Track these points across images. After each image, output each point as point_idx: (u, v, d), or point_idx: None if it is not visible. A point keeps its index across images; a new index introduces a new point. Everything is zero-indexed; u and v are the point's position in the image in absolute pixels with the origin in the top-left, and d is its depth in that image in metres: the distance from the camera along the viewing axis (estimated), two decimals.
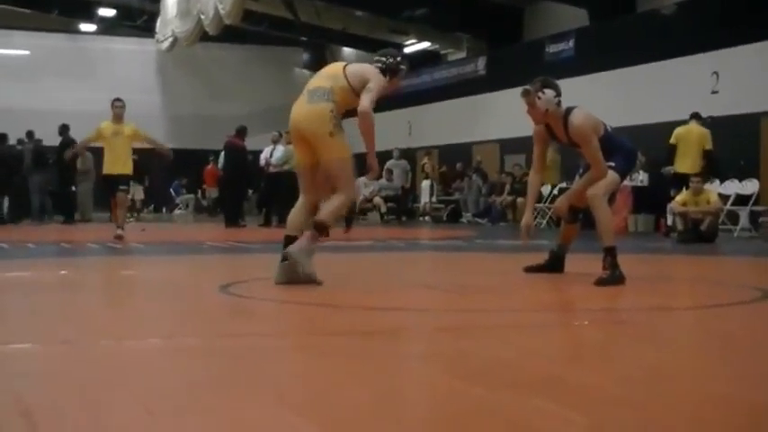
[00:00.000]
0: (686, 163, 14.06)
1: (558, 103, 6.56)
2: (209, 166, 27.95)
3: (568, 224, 7.16)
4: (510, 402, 2.75)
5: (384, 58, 6.46)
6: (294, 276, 6.10)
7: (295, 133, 6.47)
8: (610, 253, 6.34)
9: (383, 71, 6.38)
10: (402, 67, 6.49)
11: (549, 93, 6.53)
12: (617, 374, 3.25)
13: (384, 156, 23.49)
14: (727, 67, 17.08)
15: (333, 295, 5.91)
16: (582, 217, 7.07)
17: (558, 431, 2.45)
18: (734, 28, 16.79)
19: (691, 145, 14.20)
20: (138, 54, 32.78)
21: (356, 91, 6.26)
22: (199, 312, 5.08)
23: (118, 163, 12.17)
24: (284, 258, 6.17)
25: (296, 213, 6.52)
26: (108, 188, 12.66)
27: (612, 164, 6.56)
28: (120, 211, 12.52)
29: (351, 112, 6.36)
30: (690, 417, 2.65)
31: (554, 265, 7.11)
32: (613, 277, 6.23)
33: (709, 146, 14.24)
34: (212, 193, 28.39)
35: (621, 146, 6.76)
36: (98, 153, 13.61)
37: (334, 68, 6.49)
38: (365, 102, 6.15)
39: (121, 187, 12.28)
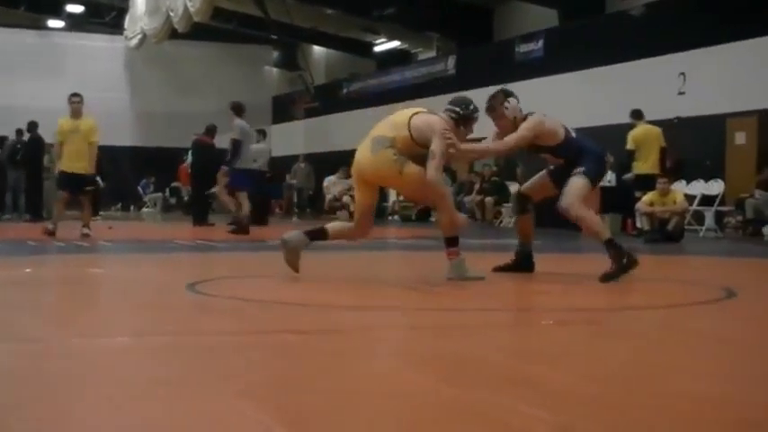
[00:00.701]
0: (648, 164, 14.23)
1: (520, 111, 6.69)
2: (183, 164, 27.86)
3: (520, 216, 7.19)
4: (482, 401, 2.76)
5: (458, 108, 6.59)
6: (293, 252, 6.64)
7: (358, 177, 6.72)
8: (609, 246, 6.43)
9: (456, 121, 6.54)
10: (475, 115, 6.67)
11: (513, 101, 6.67)
12: (587, 373, 3.27)
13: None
14: (694, 68, 17.21)
15: (302, 294, 5.91)
16: (531, 208, 7.09)
17: (529, 429, 2.46)
18: (701, 30, 16.93)
19: (651, 145, 14.38)
20: (106, 51, 32.51)
21: (418, 143, 6.39)
22: (166, 310, 5.06)
23: (77, 160, 11.84)
24: (307, 234, 6.71)
25: (342, 228, 7.03)
26: (65, 185, 12.10)
27: (582, 169, 6.59)
28: (84, 211, 12.30)
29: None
30: (658, 413, 2.68)
31: (522, 264, 7.10)
32: (619, 269, 6.35)
33: (664, 143, 14.45)
34: (187, 191, 28.29)
35: (588, 150, 6.76)
36: None
37: (400, 117, 6.60)
38: (430, 172, 6.29)
39: (87, 188, 12.10)
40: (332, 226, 6.89)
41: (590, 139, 7.04)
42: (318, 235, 6.79)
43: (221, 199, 14.77)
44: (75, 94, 12.16)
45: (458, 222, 6.65)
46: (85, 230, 11.75)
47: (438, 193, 6.54)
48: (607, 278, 6.31)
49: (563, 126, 6.77)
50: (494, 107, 6.68)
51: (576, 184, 6.58)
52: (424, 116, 6.55)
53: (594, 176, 6.71)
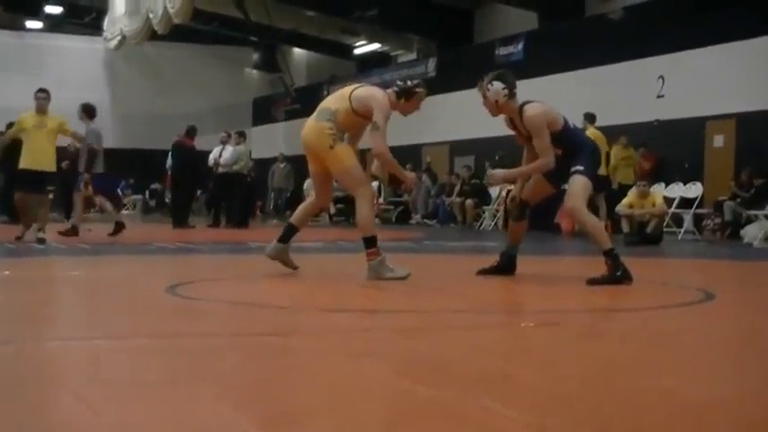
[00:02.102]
0: (602, 166, 14.35)
1: (508, 96, 6.57)
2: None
3: (516, 221, 7.16)
4: (457, 401, 2.77)
5: (401, 82, 6.90)
6: (282, 259, 6.99)
7: (303, 146, 6.94)
8: (608, 255, 6.43)
9: (398, 94, 6.78)
10: (418, 90, 6.87)
11: (497, 85, 6.59)
12: (562, 373, 3.29)
13: None
14: (673, 71, 17.31)
15: (281, 296, 5.92)
16: (528, 214, 7.07)
17: (503, 429, 2.47)
18: (680, 33, 17.03)
19: (603, 148, 14.34)
20: (85, 52, 32.40)
21: (359, 113, 6.71)
22: (145, 313, 5.05)
23: (40, 158, 11.29)
24: (280, 240, 7.01)
25: (304, 208, 7.19)
26: (23, 183, 11.45)
27: (581, 168, 6.56)
28: (42, 211, 11.52)
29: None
30: (629, 410, 2.70)
31: (506, 266, 7.08)
32: (609, 277, 6.36)
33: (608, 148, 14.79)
34: (168, 193, 28.25)
35: (583, 144, 6.78)
36: None
37: (343, 91, 6.92)
38: (375, 143, 6.66)
39: (49, 188, 11.71)
40: (294, 217, 7.13)
41: (584, 133, 7.07)
42: (289, 234, 7.02)
43: (99, 205, 14.34)
44: (41, 90, 11.64)
45: (371, 220, 6.84)
46: (41, 234, 11.15)
47: (357, 181, 6.79)
48: (594, 282, 6.32)
49: (562, 117, 6.75)
50: (480, 86, 6.71)
51: (578, 184, 6.56)
52: (366, 87, 6.92)
53: (593, 173, 6.72)
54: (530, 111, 6.56)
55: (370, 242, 6.68)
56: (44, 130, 11.37)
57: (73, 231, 12.93)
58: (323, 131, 6.73)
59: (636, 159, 16.31)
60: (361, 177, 6.82)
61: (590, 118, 15.09)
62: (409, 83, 6.90)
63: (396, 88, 6.82)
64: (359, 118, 6.74)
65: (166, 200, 29.08)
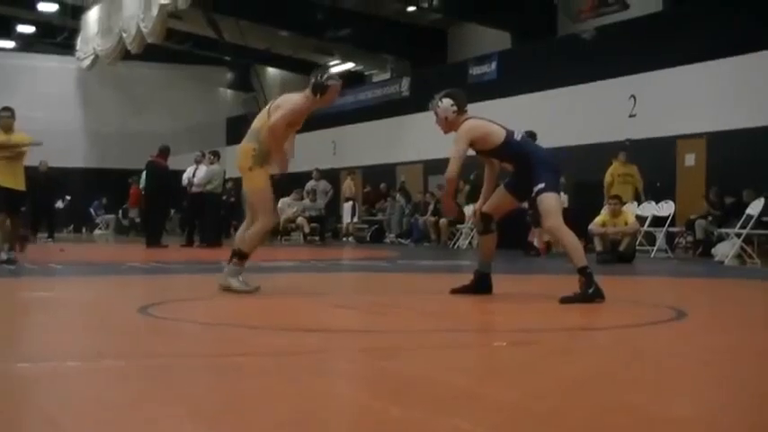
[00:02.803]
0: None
1: (457, 112, 6.69)
2: (133, 187, 27.73)
3: (483, 235, 7.10)
4: (427, 421, 2.77)
5: (313, 78, 6.96)
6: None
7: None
8: (582, 273, 6.42)
9: (313, 91, 6.93)
10: (328, 83, 6.95)
11: (446, 102, 6.73)
12: (532, 392, 3.29)
13: (307, 176, 23.48)
14: (645, 90, 17.46)
15: (253, 316, 5.90)
16: (494, 228, 6.99)
17: None
18: (651, 53, 17.18)
19: None
20: (58, 71, 32.28)
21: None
22: (117, 334, 5.01)
23: (13, 176, 11.02)
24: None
25: (242, 230, 7.26)
26: (5, 203, 11.05)
27: (542, 186, 6.55)
28: (12, 231, 11.28)
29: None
30: (601, 429, 2.71)
31: (480, 285, 7.00)
32: (581, 295, 6.36)
33: None
34: (136, 212, 28.16)
35: (538, 158, 6.69)
36: None
37: (266, 107, 7.15)
38: (272, 119, 6.88)
39: (22, 208, 11.44)
40: (237, 243, 7.20)
41: (535, 144, 7.03)
42: (239, 257, 7.08)
43: None
44: (5, 108, 11.33)
45: (257, 243, 7.07)
46: (10, 255, 11.03)
47: (262, 206, 7.02)
48: (567, 300, 6.33)
49: (504, 128, 6.71)
50: (431, 105, 6.86)
51: (548, 202, 6.57)
52: (282, 96, 7.20)
53: (555, 186, 6.67)
54: (462, 126, 6.68)
55: (241, 255, 7.02)
56: (9, 148, 11.07)
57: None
58: (246, 153, 6.99)
59: (637, 177, 16.21)
60: (267, 205, 7.08)
61: (531, 136, 15.04)
62: (318, 77, 6.98)
63: (310, 86, 6.98)
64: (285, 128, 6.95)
65: (127, 219, 29.09)
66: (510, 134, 6.68)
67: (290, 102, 7.00)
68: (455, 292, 7.01)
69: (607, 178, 15.84)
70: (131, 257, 12.98)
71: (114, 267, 11.07)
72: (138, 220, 28.26)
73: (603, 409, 2.98)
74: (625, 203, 14.82)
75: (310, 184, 23.04)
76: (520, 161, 6.69)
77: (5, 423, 2.72)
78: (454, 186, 7.00)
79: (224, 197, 23.32)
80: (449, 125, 6.75)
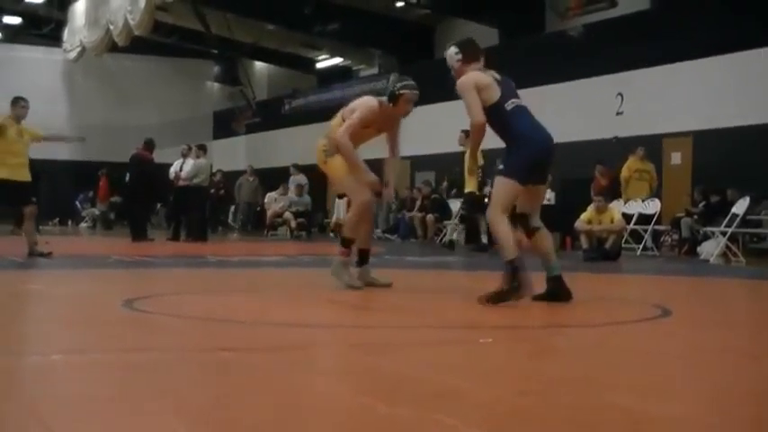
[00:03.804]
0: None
1: (462, 61, 6.42)
2: (102, 178, 27.75)
3: (530, 237, 6.53)
4: (412, 417, 2.77)
5: (391, 87, 7.09)
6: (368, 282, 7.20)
7: None
8: (508, 266, 6.03)
9: (388, 99, 7.05)
10: (401, 92, 7.00)
11: (452, 50, 6.54)
12: (518, 389, 3.30)
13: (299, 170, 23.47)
14: (632, 88, 17.50)
15: (239, 311, 5.88)
16: (539, 224, 6.45)
17: None
18: (638, 51, 17.22)
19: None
20: (44, 63, 32.11)
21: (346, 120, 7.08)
22: (102, 327, 5.00)
23: (21, 169, 11.13)
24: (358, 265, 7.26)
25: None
26: (6, 196, 11.20)
27: (501, 167, 6.21)
28: (31, 224, 11.51)
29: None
30: (586, 427, 2.72)
31: (552, 292, 6.35)
32: (502, 293, 5.99)
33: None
34: (102, 206, 28.15)
35: (517, 134, 6.18)
36: None
37: (342, 108, 7.30)
38: (338, 133, 6.96)
39: (33, 199, 11.56)
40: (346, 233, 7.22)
41: (533, 119, 6.38)
42: (343, 245, 7.18)
43: None
44: (23, 99, 11.43)
45: (352, 225, 7.13)
46: (41, 249, 11.18)
47: (349, 191, 7.24)
48: (486, 299, 6.00)
49: (502, 93, 6.29)
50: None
51: (496, 189, 6.22)
52: (357, 100, 7.24)
53: (519, 171, 6.11)
54: (463, 77, 6.35)
55: (344, 243, 7.10)
56: (23, 140, 11.19)
57: None
58: (319, 149, 7.23)
59: (653, 174, 16.20)
60: (354, 187, 7.12)
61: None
62: (395, 85, 7.07)
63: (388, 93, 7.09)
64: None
65: (83, 214, 29.07)
66: (503, 98, 6.25)
67: (363, 107, 7.05)
68: (536, 298, 6.30)
69: (624, 173, 15.88)
70: (117, 251, 12.94)
71: (100, 261, 11.03)
72: (108, 214, 28.30)
73: (588, 407, 2.99)
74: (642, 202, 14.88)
75: (291, 179, 23.05)
76: (501, 132, 6.29)
77: None
78: (481, 133, 6.29)
79: (212, 190, 23.31)
80: (456, 74, 6.44)
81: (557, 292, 6.30)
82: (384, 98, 7.01)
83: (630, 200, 15.78)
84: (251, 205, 24.93)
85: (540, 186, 6.44)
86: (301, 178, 23.18)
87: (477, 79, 6.26)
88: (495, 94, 6.24)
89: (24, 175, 11.20)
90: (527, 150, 6.16)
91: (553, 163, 6.51)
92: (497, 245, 6.25)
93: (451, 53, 6.49)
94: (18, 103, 11.41)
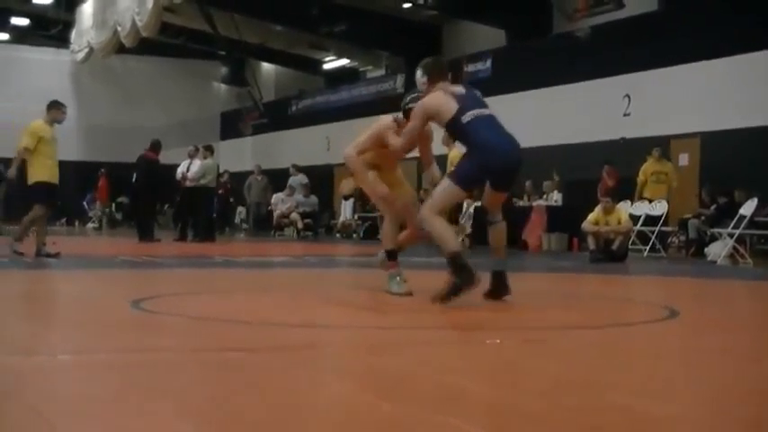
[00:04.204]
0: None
1: (427, 83, 6.42)
2: (101, 181, 27.84)
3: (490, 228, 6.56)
4: (416, 417, 2.77)
5: (402, 105, 6.93)
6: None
7: None
8: (450, 260, 5.99)
9: (404, 115, 6.79)
10: (409, 106, 6.68)
11: (418, 74, 6.55)
12: (522, 388, 3.30)
13: (306, 171, 23.50)
14: (639, 90, 17.47)
15: (245, 311, 5.89)
16: (496, 219, 6.49)
17: None
18: (646, 53, 17.19)
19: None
20: (52, 64, 32.14)
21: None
22: (109, 327, 5.00)
23: (55, 170, 11.39)
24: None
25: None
26: (45, 196, 11.36)
27: (454, 169, 6.32)
28: (43, 225, 11.68)
29: None
30: (589, 428, 2.71)
31: (494, 287, 6.38)
32: (450, 290, 5.94)
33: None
34: (102, 207, 28.19)
35: (475, 143, 6.16)
36: None
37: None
38: (346, 150, 7.12)
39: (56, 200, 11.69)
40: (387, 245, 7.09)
41: (494, 128, 6.26)
42: (387, 257, 7.02)
43: None
44: (63, 104, 11.69)
45: (390, 236, 6.98)
46: (48, 249, 11.29)
47: (380, 203, 7.18)
48: (439, 299, 5.96)
49: (459, 105, 6.18)
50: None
51: (438, 190, 6.25)
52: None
53: (464, 178, 6.17)
54: (418, 104, 6.40)
55: (388, 254, 6.89)
56: (56, 143, 11.42)
57: None
58: (350, 159, 7.19)
59: (672, 175, 15.84)
60: (383, 199, 7.01)
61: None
62: (404, 100, 6.92)
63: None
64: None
65: (90, 214, 29.13)
66: (460, 111, 6.16)
67: (375, 126, 7.01)
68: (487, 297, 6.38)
69: (640, 176, 15.67)
70: (124, 251, 12.96)
71: (107, 261, 11.05)
72: (114, 214, 28.36)
73: (592, 408, 2.98)
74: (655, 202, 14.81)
75: (291, 180, 23.08)
76: (462, 142, 6.34)
77: None
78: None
79: (220, 191, 23.32)
80: (424, 94, 6.46)
81: (496, 288, 6.31)
82: (400, 115, 6.85)
83: (649, 201, 15.56)
84: (260, 205, 24.85)
85: (501, 192, 6.48)
86: (301, 178, 23.21)
87: (430, 106, 6.30)
88: (450, 110, 6.20)
89: (57, 177, 11.44)
90: (478, 160, 6.16)
91: (517, 171, 6.43)
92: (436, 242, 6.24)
93: (418, 76, 6.54)
94: (60, 108, 11.58)
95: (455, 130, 6.23)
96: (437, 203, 6.19)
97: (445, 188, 6.19)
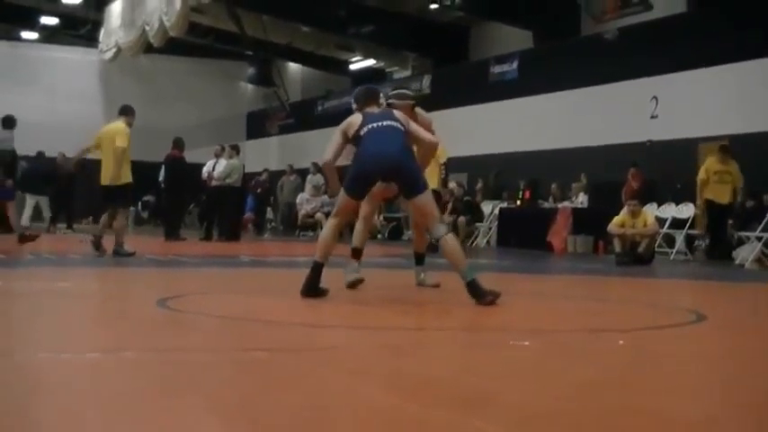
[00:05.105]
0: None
1: (357, 109, 6.86)
2: None
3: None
4: (443, 420, 2.77)
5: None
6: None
7: None
8: (312, 268, 6.53)
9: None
10: (389, 101, 7.21)
11: (353, 102, 7.01)
12: (550, 391, 3.28)
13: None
14: (667, 92, 17.38)
15: (270, 311, 5.90)
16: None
17: None
18: (674, 55, 17.10)
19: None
20: (80, 63, 32.37)
21: None
22: (136, 326, 5.04)
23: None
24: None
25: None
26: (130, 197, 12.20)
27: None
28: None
29: None
30: (620, 428, 2.70)
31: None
32: (306, 284, 6.44)
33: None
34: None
35: (356, 153, 6.66)
36: None
37: None
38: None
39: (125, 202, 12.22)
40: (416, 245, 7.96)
41: (372, 140, 6.55)
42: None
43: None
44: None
45: (359, 236, 7.75)
46: (126, 248, 11.52)
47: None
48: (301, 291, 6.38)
49: (362, 124, 6.62)
50: None
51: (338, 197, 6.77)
52: None
53: (346, 185, 6.68)
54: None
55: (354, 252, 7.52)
56: None
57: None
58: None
59: (737, 175, 14.58)
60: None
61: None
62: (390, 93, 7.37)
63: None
64: None
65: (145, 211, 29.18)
66: (360, 128, 6.62)
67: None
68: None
69: (701, 175, 14.51)
70: (150, 250, 13.02)
71: (133, 259, 11.11)
72: (142, 213, 28.43)
73: (621, 412, 2.97)
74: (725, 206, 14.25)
75: (308, 179, 23.12)
76: None
77: (26, 413, 2.74)
78: (327, 169, 6.98)
79: (258, 190, 23.36)
80: None
81: (475, 298, 6.13)
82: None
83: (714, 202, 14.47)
84: (292, 206, 24.86)
85: (412, 200, 6.58)
86: (319, 178, 23.22)
87: (348, 123, 6.72)
88: (356, 126, 6.67)
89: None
90: (354, 168, 6.67)
91: (397, 172, 6.56)
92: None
93: (352, 103, 7.00)
94: (134, 112, 12.54)
95: (356, 142, 6.66)
96: (335, 210, 6.88)
97: (339, 196, 6.77)
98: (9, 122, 14.60)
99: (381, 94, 7.09)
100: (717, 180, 14.45)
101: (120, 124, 11.78)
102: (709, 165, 14.55)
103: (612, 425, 2.79)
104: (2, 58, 31.05)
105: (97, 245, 11.45)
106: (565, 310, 6.25)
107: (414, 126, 6.75)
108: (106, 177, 11.58)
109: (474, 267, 6.39)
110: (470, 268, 6.23)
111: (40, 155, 21.07)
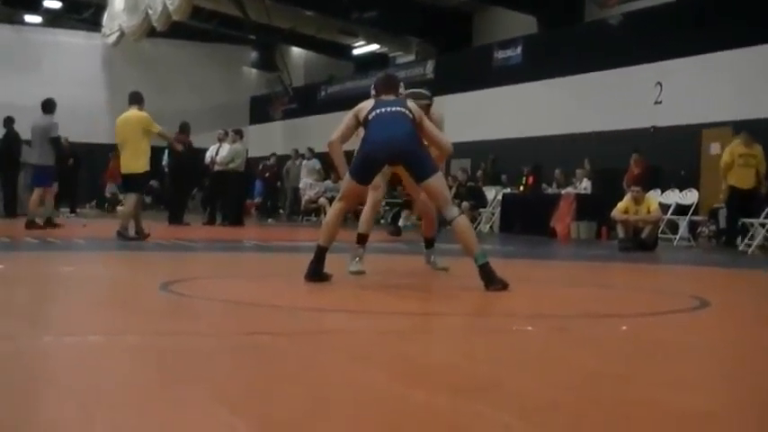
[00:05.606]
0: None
1: (374, 95, 6.86)
2: (113, 162, 27.82)
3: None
4: (448, 406, 2.77)
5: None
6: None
7: None
8: (317, 252, 6.54)
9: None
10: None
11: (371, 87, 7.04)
12: (554, 379, 3.28)
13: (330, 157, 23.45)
14: (671, 78, 17.33)
15: (274, 296, 5.91)
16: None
17: None
18: (678, 40, 17.05)
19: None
20: (83, 47, 32.32)
21: None
22: (139, 310, 5.04)
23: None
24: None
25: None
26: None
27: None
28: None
29: None
30: (616, 419, 2.70)
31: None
32: (310, 270, 6.42)
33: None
34: (111, 188, 28.14)
35: (363, 138, 6.65)
36: None
37: None
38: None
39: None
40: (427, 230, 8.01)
41: (378, 125, 6.56)
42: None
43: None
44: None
45: (363, 222, 7.78)
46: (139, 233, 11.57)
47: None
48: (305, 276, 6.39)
49: (372, 109, 6.63)
50: None
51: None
52: None
53: (352, 170, 6.62)
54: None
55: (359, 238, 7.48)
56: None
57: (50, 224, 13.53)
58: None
59: (761, 159, 14.18)
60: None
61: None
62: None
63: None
64: None
65: (107, 194, 29.09)
66: (369, 113, 6.61)
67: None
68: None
69: (725, 158, 14.18)
70: (154, 234, 13.02)
71: (136, 244, 11.11)
72: (116, 195, 28.40)
73: (622, 401, 2.96)
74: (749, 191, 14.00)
75: (305, 164, 23.10)
76: None
77: (29, 398, 2.74)
78: (333, 150, 6.80)
79: (266, 174, 23.30)
80: None
81: (486, 283, 6.10)
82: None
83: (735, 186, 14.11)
84: (296, 190, 24.82)
85: (423, 184, 6.68)
86: (314, 163, 23.19)
87: (360, 107, 6.73)
88: (366, 110, 6.66)
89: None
90: (360, 152, 6.62)
91: (403, 157, 6.57)
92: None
93: (371, 89, 6.96)
94: (144, 100, 12.79)
95: (365, 126, 6.62)
96: (341, 194, 6.81)
97: (344, 181, 6.72)
98: (49, 106, 14.14)
99: (402, 84, 7.03)
100: (742, 163, 14.12)
101: (138, 112, 11.83)
102: (734, 148, 14.25)
103: (617, 414, 2.79)
104: (4, 41, 31.01)
105: (138, 232, 11.43)
106: (568, 295, 6.25)
107: (428, 124, 6.70)
108: (129, 166, 11.55)
109: (486, 251, 6.37)
110: (483, 252, 6.20)
111: None
